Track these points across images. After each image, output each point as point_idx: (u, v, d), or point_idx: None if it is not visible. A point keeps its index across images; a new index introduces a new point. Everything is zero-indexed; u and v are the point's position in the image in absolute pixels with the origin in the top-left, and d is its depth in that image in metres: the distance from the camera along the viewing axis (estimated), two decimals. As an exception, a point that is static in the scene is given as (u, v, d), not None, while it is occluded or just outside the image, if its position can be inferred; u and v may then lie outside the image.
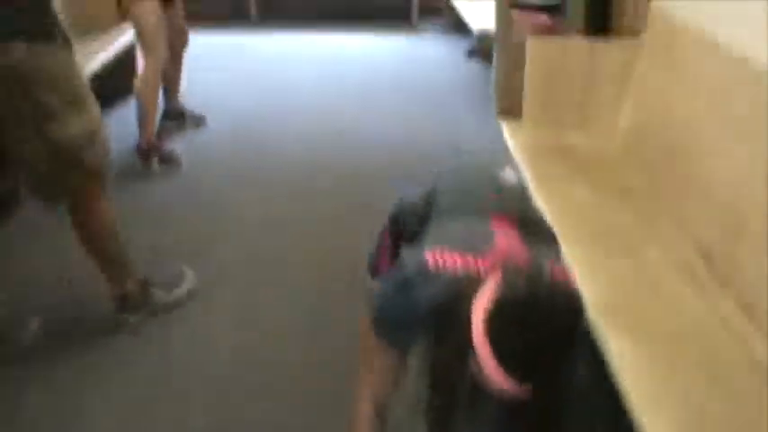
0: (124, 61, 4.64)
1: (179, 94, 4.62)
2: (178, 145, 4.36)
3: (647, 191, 2.68)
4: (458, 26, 6.49)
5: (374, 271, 2.62)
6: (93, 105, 2.49)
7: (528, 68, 3.15)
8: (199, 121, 4.70)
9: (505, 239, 1.71)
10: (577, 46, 3.16)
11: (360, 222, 3.30)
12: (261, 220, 3.60)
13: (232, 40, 6.81)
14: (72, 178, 2.49)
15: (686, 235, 2.36)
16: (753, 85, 2.12)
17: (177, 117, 4.62)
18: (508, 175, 2.10)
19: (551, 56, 3.16)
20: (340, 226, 3.49)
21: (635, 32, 3.13)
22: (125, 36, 4.56)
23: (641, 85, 3.02)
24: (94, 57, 4.14)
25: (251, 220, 3.60)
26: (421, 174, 2.59)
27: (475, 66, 5.77)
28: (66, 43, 2.37)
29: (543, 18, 3.59)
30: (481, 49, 5.62)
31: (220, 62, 6.08)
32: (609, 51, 3.13)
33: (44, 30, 2.30)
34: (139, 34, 4.06)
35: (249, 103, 5.15)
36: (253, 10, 7.33)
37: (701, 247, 2.27)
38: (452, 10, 6.48)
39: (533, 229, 1.83)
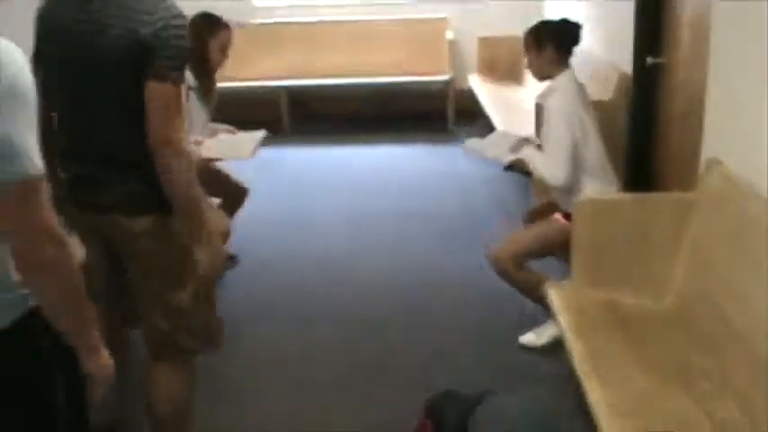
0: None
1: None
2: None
3: (708, 372, 2.55)
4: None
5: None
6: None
7: (575, 228, 3.06)
8: (230, 261, 4.62)
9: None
10: (626, 203, 3.08)
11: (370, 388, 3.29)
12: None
13: (263, 155, 6.76)
14: (187, 341, 2.57)
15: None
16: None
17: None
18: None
19: (599, 214, 3.07)
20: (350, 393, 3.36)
21: (686, 186, 3.06)
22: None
23: (693, 245, 2.93)
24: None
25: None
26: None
27: (512, 183, 5.65)
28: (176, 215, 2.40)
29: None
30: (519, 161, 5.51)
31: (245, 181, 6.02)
32: (659, 208, 3.04)
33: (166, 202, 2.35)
34: None
35: (273, 231, 5.10)
36: (285, 118, 7.37)
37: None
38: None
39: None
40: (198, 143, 3.98)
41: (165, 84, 2.22)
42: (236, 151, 4.08)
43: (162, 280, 2.46)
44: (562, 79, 3.55)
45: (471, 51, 7.31)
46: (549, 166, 3.44)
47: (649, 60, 4.17)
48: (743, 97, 2.82)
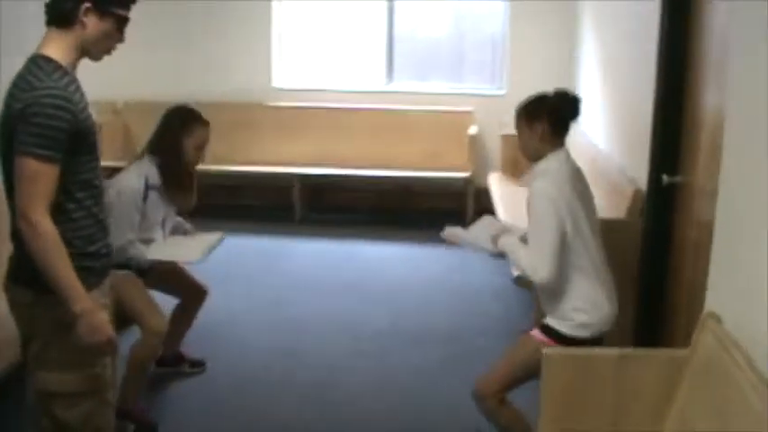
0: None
1: (181, 342, 4.18)
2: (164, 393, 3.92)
3: None
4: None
5: None
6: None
7: (543, 381, 2.56)
8: (196, 367, 4.22)
9: None
10: (604, 359, 2.56)
11: None
12: None
13: (267, 245, 6.47)
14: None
15: None
16: None
17: (174, 363, 4.16)
18: None
19: (572, 368, 2.56)
20: None
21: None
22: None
23: (681, 416, 2.40)
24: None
25: None
26: None
27: (521, 299, 5.14)
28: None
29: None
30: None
31: (243, 275, 5.68)
32: (643, 366, 2.52)
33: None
34: (130, 312, 3.64)
35: (259, 340, 4.62)
36: (297, 206, 7.01)
37: None
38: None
39: None
40: (147, 242, 3.69)
41: (25, 158, 2.26)
42: (184, 254, 3.72)
43: (35, 356, 2.48)
44: (553, 160, 3.05)
45: (495, 148, 6.89)
46: (531, 260, 2.94)
47: (665, 179, 3.69)
48: (747, 240, 2.33)
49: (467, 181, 6.73)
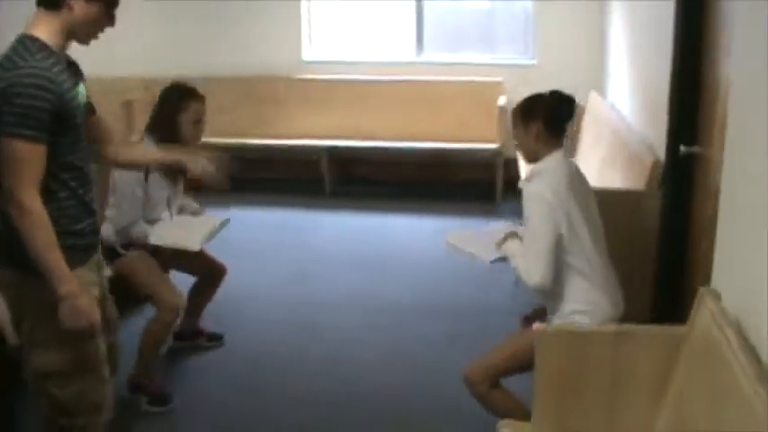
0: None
1: (200, 316, 4.21)
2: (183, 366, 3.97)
3: None
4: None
5: None
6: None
7: (537, 363, 2.50)
8: (214, 341, 4.25)
9: None
10: (599, 337, 2.50)
11: None
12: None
13: (295, 218, 6.48)
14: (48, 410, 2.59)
15: None
16: None
17: (192, 338, 4.20)
18: None
19: (567, 348, 2.51)
20: None
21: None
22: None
23: (679, 396, 2.34)
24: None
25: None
26: None
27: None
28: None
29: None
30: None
31: (269, 249, 5.71)
32: (640, 344, 2.46)
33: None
34: (141, 287, 3.69)
35: (277, 315, 4.64)
36: (326, 179, 7.00)
37: None
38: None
39: None
40: (153, 222, 3.72)
41: (11, 139, 2.24)
42: (185, 239, 3.67)
43: (27, 337, 2.50)
44: (549, 161, 2.99)
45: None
46: (526, 264, 2.90)
47: (683, 149, 3.58)
48: (749, 215, 2.24)
49: (496, 152, 6.63)
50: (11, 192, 2.28)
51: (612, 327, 2.52)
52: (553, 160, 3.00)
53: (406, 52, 7.42)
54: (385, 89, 7.14)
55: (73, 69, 2.54)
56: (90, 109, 2.66)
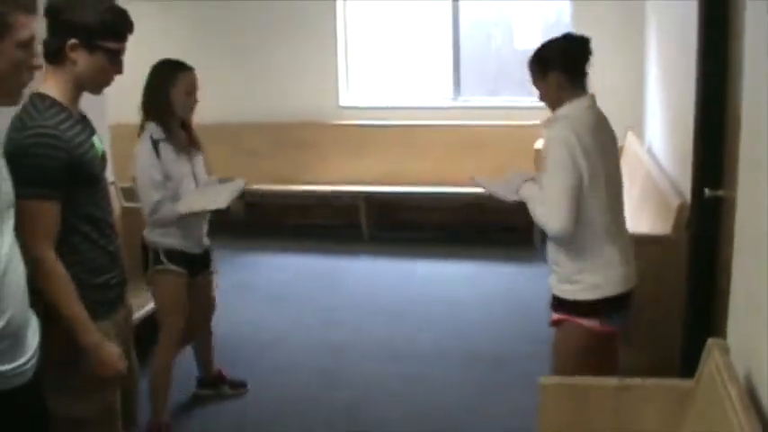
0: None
1: (213, 362, 4.19)
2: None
3: None
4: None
5: None
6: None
7: (540, 416, 2.41)
8: (239, 388, 4.22)
9: None
10: (603, 389, 2.40)
11: None
12: None
13: (331, 265, 6.46)
14: None
15: None
16: None
17: (213, 385, 4.18)
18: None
19: (571, 399, 2.41)
20: None
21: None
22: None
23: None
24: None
25: None
26: None
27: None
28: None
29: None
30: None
31: (301, 295, 5.68)
32: (645, 397, 2.35)
33: None
34: (156, 307, 3.79)
35: (304, 363, 4.58)
36: (364, 225, 6.98)
37: None
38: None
39: None
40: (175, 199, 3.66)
41: (23, 200, 2.19)
42: (210, 202, 3.67)
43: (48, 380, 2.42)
44: (574, 106, 2.87)
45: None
46: (545, 210, 2.80)
47: (708, 192, 3.46)
48: (759, 264, 2.14)
49: (533, 196, 6.53)
50: (27, 249, 2.25)
51: (615, 379, 2.40)
52: (578, 105, 2.89)
53: (443, 96, 7.41)
54: (422, 134, 7.14)
55: (86, 122, 2.56)
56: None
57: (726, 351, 2.20)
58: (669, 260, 3.73)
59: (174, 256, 3.65)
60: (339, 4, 7.40)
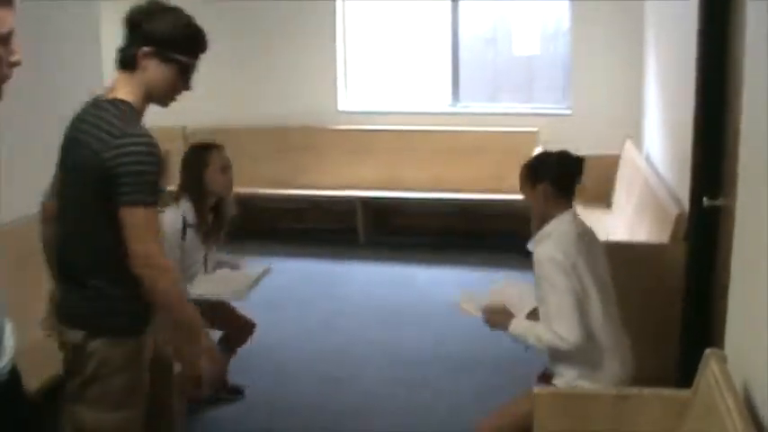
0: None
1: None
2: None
3: None
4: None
5: None
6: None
7: (536, 427, 2.41)
8: (236, 394, 4.21)
9: None
10: (599, 399, 2.40)
11: None
12: None
13: (328, 269, 6.45)
14: None
15: None
16: None
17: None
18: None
19: (565, 409, 2.41)
20: None
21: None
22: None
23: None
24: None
25: None
26: None
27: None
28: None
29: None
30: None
31: (297, 300, 5.68)
32: (642, 407, 2.35)
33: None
34: None
35: (300, 368, 4.56)
36: (361, 230, 6.97)
37: None
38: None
39: None
40: (190, 279, 3.74)
41: (135, 208, 2.26)
42: (230, 292, 3.75)
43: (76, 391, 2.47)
44: (558, 223, 2.93)
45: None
46: (555, 329, 2.78)
47: (706, 202, 3.46)
48: (757, 274, 2.14)
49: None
50: (145, 256, 2.29)
51: (612, 389, 2.40)
52: (562, 222, 2.94)
53: (442, 102, 7.41)
54: (420, 139, 7.13)
55: None
56: None
57: (723, 360, 2.20)
58: (667, 269, 3.73)
59: None
60: (339, 10, 7.39)
